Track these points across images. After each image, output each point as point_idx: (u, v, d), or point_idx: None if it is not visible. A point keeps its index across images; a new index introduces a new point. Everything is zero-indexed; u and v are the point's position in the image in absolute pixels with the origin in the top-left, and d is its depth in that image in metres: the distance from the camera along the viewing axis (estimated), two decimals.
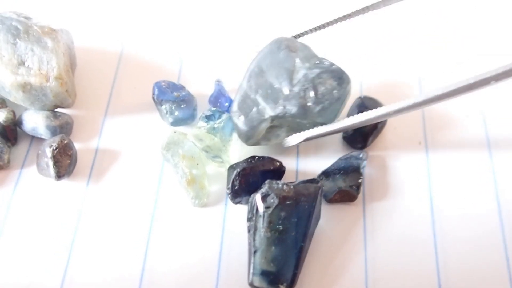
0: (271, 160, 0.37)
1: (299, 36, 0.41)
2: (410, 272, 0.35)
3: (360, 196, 0.38)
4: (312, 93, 0.36)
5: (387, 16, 0.46)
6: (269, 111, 0.36)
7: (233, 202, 0.37)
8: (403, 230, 0.37)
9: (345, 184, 0.37)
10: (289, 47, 0.37)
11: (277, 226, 0.33)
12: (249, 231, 0.35)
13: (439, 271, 0.35)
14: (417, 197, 0.38)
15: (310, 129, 0.37)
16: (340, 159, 0.39)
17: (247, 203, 0.36)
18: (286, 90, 0.36)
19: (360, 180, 0.38)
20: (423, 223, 0.37)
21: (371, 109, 0.40)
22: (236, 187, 0.36)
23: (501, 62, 0.30)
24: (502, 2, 0.49)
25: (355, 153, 0.39)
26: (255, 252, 0.34)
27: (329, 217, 0.37)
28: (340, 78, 0.36)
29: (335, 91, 0.36)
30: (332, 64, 0.37)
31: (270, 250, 0.33)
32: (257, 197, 0.34)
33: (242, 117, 0.37)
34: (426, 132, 0.41)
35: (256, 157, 0.37)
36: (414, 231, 0.37)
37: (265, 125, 0.37)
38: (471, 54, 0.45)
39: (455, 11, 0.48)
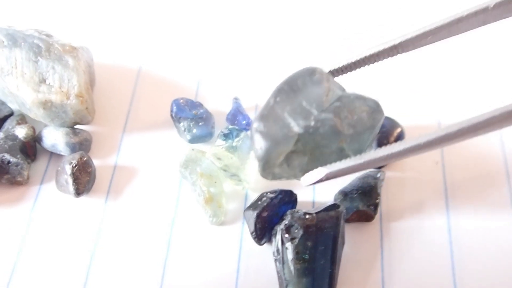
0: (282, 192, 0.37)
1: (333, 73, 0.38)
2: None
3: (377, 215, 0.38)
4: (346, 114, 0.34)
5: None
6: (297, 128, 0.33)
7: (259, 244, 0.36)
8: (420, 249, 0.37)
9: (363, 204, 0.37)
10: (322, 74, 0.36)
11: (304, 256, 0.33)
12: (276, 262, 0.35)
13: None
14: (434, 216, 0.38)
15: (333, 164, 0.33)
16: (357, 178, 0.39)
17: (270, 240, 0.36)
18: (317, 110, 0.34)
19: (377, 200, 0.38)
20: (440, 243, 0.37)
21: (389, 129, 0.41)
22: (259, 231, 0.36)
23: None
24: None
25: (372, 172, 0.39)
26: (286, 286, 0.34)
27: (346, 237, 0.37)
28: (374, 108, 0.35)
29: (369, 119, 0.34)
30: (364, 95, 0.35)
31: (302, 282, 0.33)
32: (281, 229, 0.34)
33: (264, 131, 0.34)
34: (443, 151, 0.41)
35: (268, 193, 0.37)
36: (431, 251, 0.37)
37: (287, 146, 0.34)
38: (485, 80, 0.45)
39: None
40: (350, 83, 0.38)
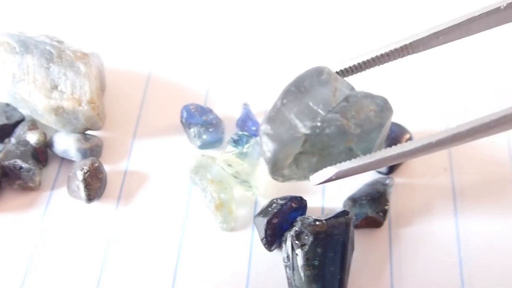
0: (292, 198, 0.37)
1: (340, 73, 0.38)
2: None
3: (386, 221, 0.38)
4: (352, 114, 0.34)
5: None
6: (303, 129, 0.33)
7: (269, 250, 0.36)
8: (429, 255, 0.37)
9: (372, 210, 0.38)
10: (330, 74, 0.36)
11: (314, 262, 0.34)
12: (286, 269, 0.35)
13: None
14: (443, 222, 0.38)
15: (342, 163, 0.33)
16: (366, 184, 0.39)
17: (280, 246, 0.36)
18: (324, 111, 0.34)
19: (386, 207, 0.38)
20: (449, 250, 0.37)
21: (397, 135, 0.41)
22: (269, 237, 0.36)
23: None
24: None
25: (381, 178, 0.39)
26: None
27: (355, 243, 0.37)
28: (383, 105, 0.35)
29: (376, 117, 0.34)
30: (372, 93, 0.35)
31: None
32: (292, 235, 0.34)
33: (271, 133, 0.34)
34: (452, 158, 0.41)
35: (278, 200, 0.37)
36: (440, 257, 0.37)
37: (295, 148, 0.34)
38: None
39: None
40: (358, 83, 0.38)
